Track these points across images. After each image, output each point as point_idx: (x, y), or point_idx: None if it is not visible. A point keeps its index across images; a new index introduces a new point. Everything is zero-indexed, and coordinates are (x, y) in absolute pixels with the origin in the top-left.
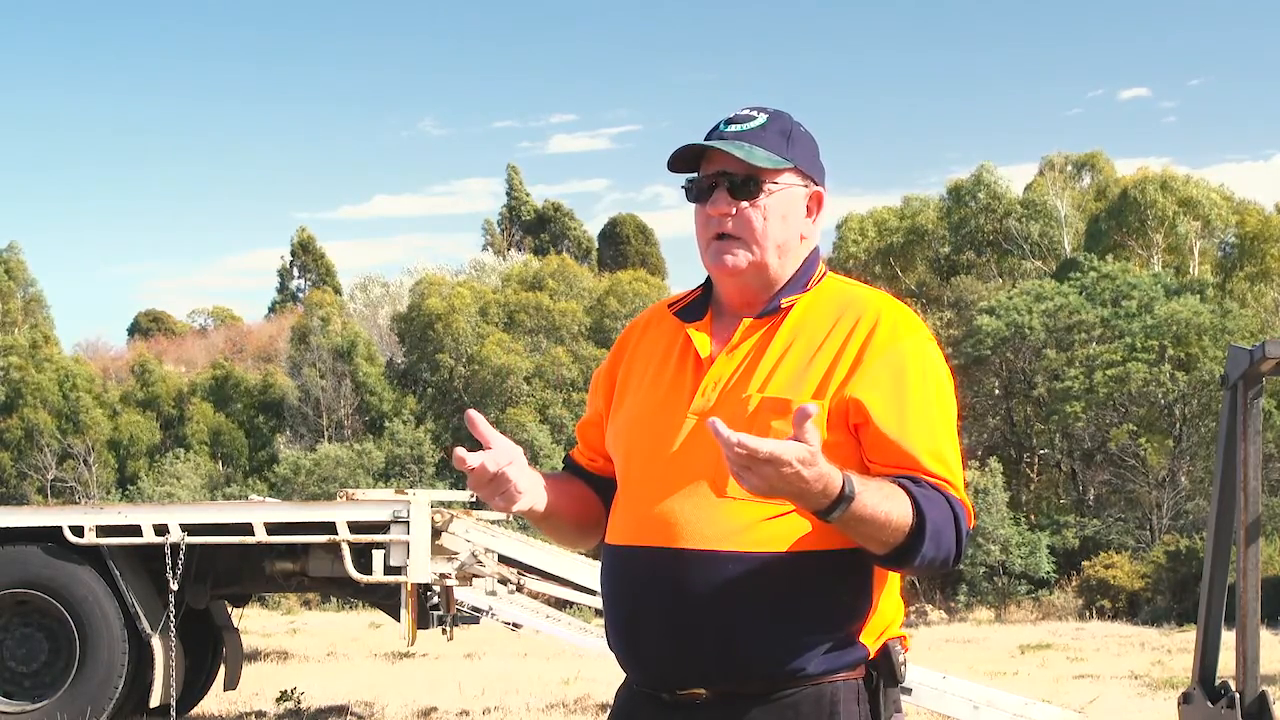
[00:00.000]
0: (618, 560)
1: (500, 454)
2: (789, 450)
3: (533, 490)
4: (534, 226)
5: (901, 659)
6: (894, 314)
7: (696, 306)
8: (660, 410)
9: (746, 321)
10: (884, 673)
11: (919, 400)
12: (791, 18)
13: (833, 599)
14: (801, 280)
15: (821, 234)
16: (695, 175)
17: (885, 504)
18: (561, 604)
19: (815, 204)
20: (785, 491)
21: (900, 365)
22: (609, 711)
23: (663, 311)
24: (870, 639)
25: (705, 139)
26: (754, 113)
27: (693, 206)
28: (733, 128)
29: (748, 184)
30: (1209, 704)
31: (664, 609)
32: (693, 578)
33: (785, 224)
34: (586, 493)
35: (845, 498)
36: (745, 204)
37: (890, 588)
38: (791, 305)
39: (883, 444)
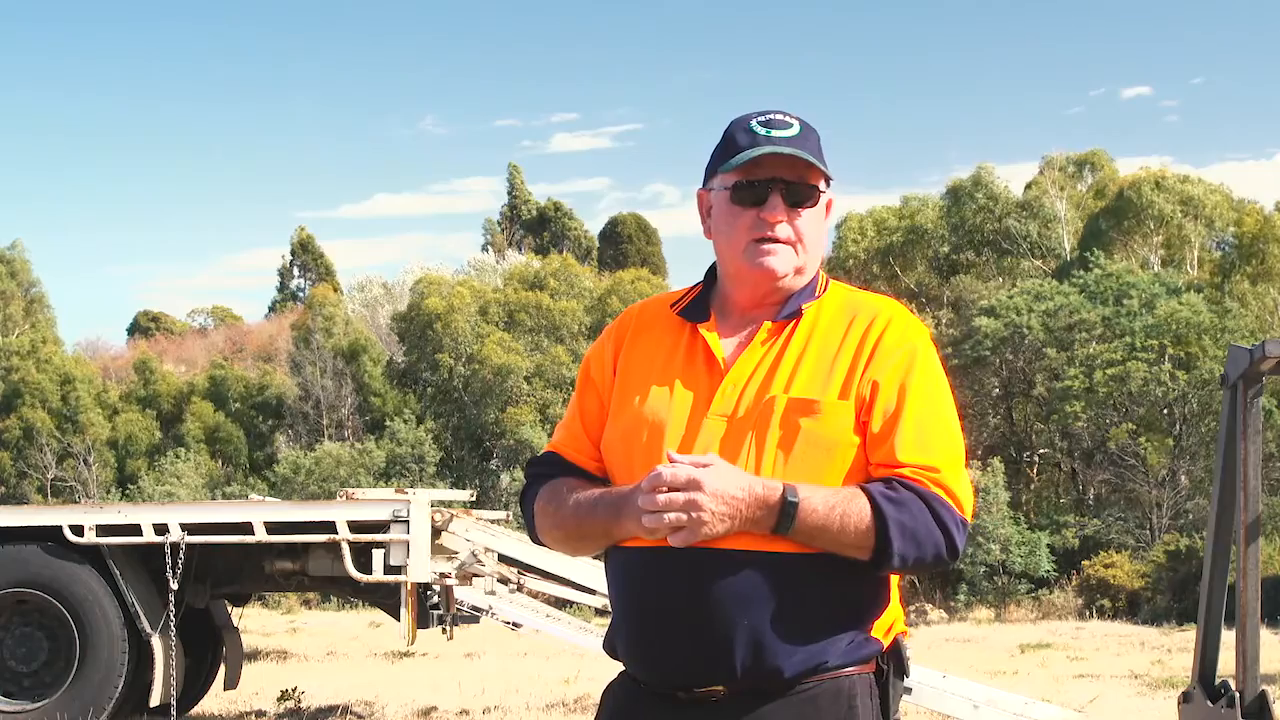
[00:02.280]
0: (636, 561)
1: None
2: (704, 472)
3: None
4: (534, 226)
5: (908, 654)
6: (904, 316)
7: (700, 306)
8: (677, 412)
9: (768, 324)
10: (894, 666)
11: (918, 394)
12: (793, 17)
13: (855, 595)
14: (813, 285)
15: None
16: (741, 179)
17: (840, 506)
18: (561, 603)
19: (829, 209)
20: (726, 512)
21: (907, 361)
22: (599, 711)
23: (657, 310)
24: (882, 633)
25: (750, 144)
26: (788, 119)
27: (708, 207)
28: (778, 133)
29: (802, 191)
30: (1209, 703)
31: (691, 609)
32: (721, 577)
33: (823, 231)
34: (578, 480)
35: (789, 503)
36: (800, 210)
37: (895, 584)
38: (806, 311)
39: (877, 434)
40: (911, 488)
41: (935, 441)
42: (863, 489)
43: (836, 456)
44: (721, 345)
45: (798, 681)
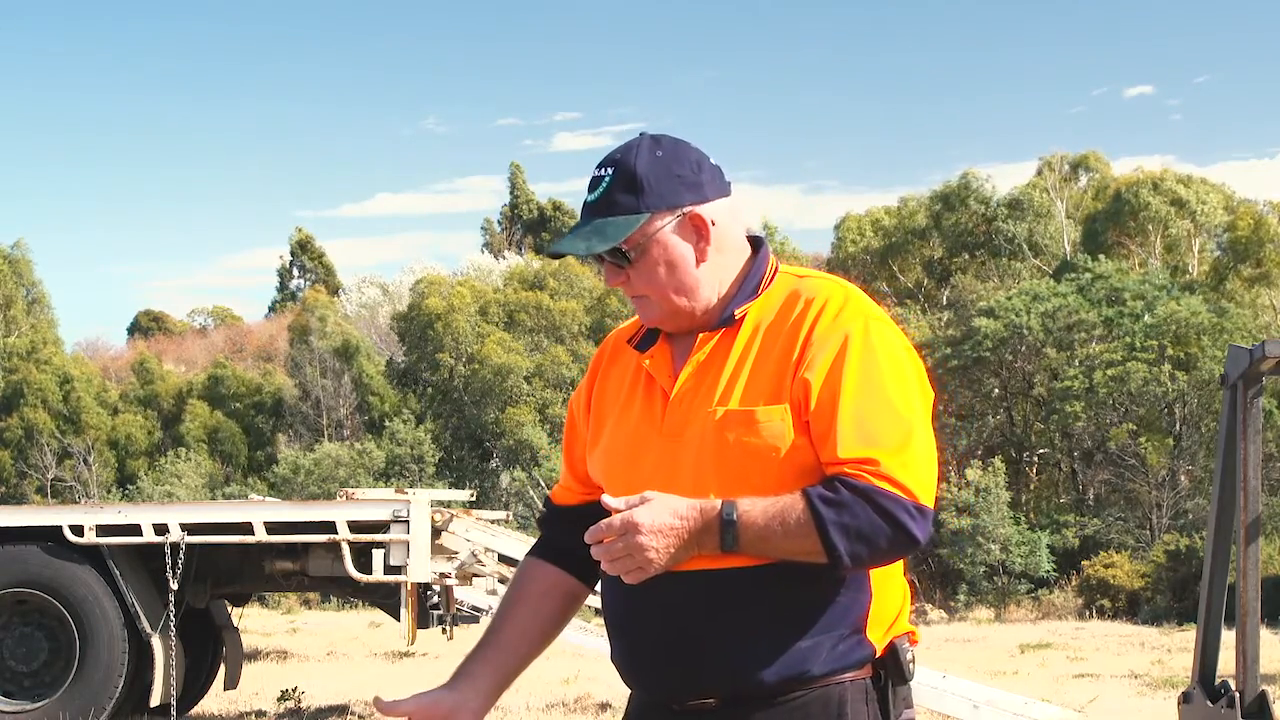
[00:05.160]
0: (610, 582)
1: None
2: (634, 513)
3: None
4: (535, 225)
5: (909, 656)
6: (838, 300)
7: (650, 333)
8: (634, 439)
9: (702, 335)
10: (892, 671)
11: (853, 382)
12: (793, 15)
13: (831, 600)
14: (750, 286)
15: (758, 229)
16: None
17: (779, 516)
18: None
19: (698, 224)
20: (669, 544)
21: (837, 350)
22: (623, 716)
23: (620, 340)
24: (877, 636)
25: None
26: (602, 173)
27: None
28: (590, 196)
29: (617, 255)
30: (1209, 703)
31: (665, 629)
32: (688, 596)
33: (673, 270)
34: (551, 583)
35: (726, 521)
36: (626, 269)
37: (892, 582)
38: (745, 314)
39: (819, 434)
40: (851, 485)
41: (876, 429)
42: (804, 493)
43: (781, 463)
44: (665, 368)
45: (784, 691)
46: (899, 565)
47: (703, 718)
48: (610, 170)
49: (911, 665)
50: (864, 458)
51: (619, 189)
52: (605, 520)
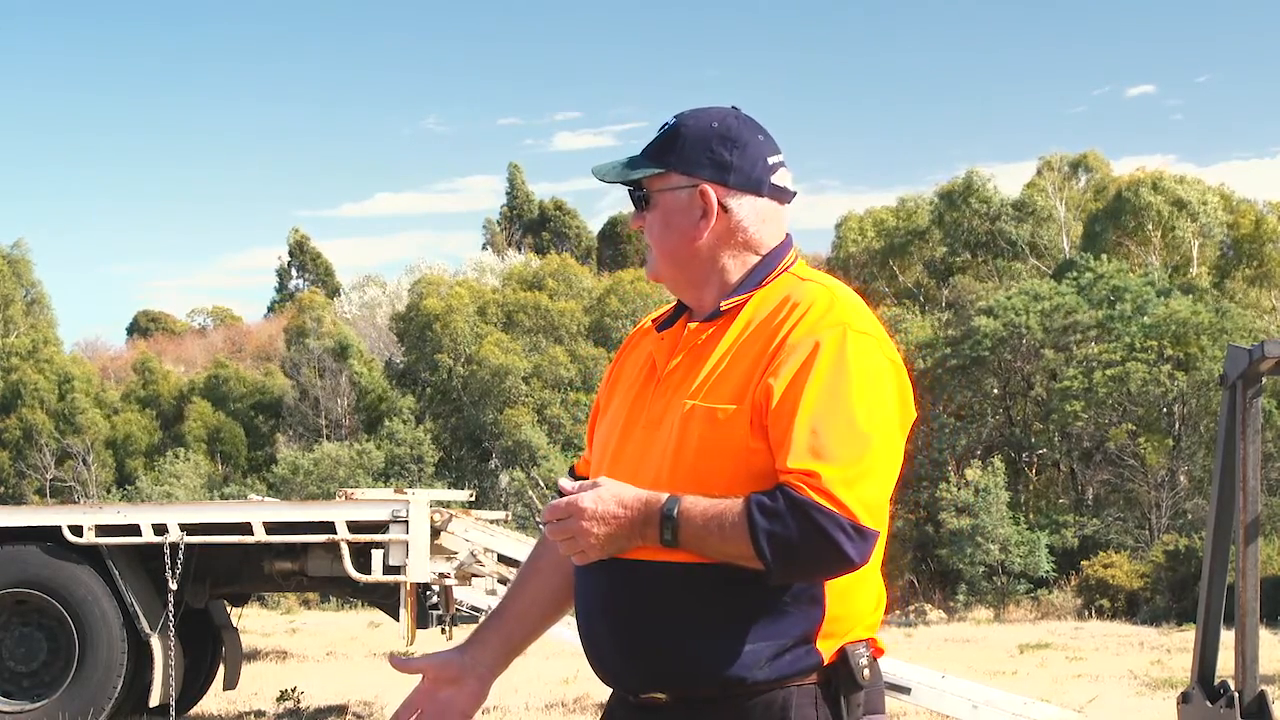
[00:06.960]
0: (580, 571)
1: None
2: (580, 497)
3: (484, 679)
4: (535, 225)
5: (863, 663)
6: (825, 304)
7: (672, 317)
8: (626, 422)
9: (691, 326)
10: (842, 677)
11: (815, 392)
12: (794, 14)
13: (778, 608)
14: (753, 281)
15: (776, 228)
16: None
17: (718, 519)
18: None
19: (705, 201)
20: (610, 531)
21: (806, 357)
22: (604, 711)
23: (648, 324)
24: (827, 644)
25: None
26: (666, 122)
27: None
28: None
29: (636, 197)
30: (1208, 703)
31: (617, 618)
32: (642, 588)
33: (670, 231)
34: (563, 556)
35: (666, 516)
36: (644, 215)
37: (854, 592)
38: (735, 307)
39: (775, 440)
40: (789, 496)
41: (829, 441)
42: (746, 498)
43: (734, 464)
44: (666, 354)
45: (726, 692)
46: (870, 575)
47: (656, 714)
48: (670, 122)
49: (866, 673)
50: (807, 470)
51: (662, 140)
52: (554, 502)
